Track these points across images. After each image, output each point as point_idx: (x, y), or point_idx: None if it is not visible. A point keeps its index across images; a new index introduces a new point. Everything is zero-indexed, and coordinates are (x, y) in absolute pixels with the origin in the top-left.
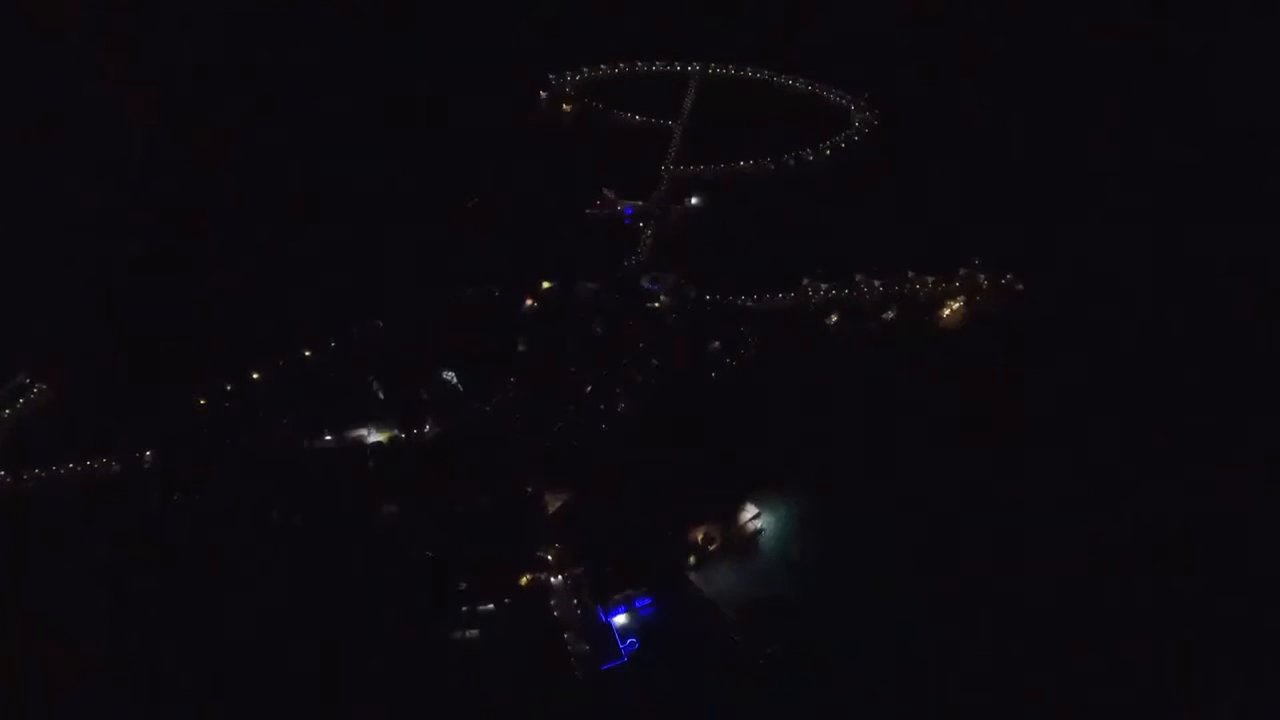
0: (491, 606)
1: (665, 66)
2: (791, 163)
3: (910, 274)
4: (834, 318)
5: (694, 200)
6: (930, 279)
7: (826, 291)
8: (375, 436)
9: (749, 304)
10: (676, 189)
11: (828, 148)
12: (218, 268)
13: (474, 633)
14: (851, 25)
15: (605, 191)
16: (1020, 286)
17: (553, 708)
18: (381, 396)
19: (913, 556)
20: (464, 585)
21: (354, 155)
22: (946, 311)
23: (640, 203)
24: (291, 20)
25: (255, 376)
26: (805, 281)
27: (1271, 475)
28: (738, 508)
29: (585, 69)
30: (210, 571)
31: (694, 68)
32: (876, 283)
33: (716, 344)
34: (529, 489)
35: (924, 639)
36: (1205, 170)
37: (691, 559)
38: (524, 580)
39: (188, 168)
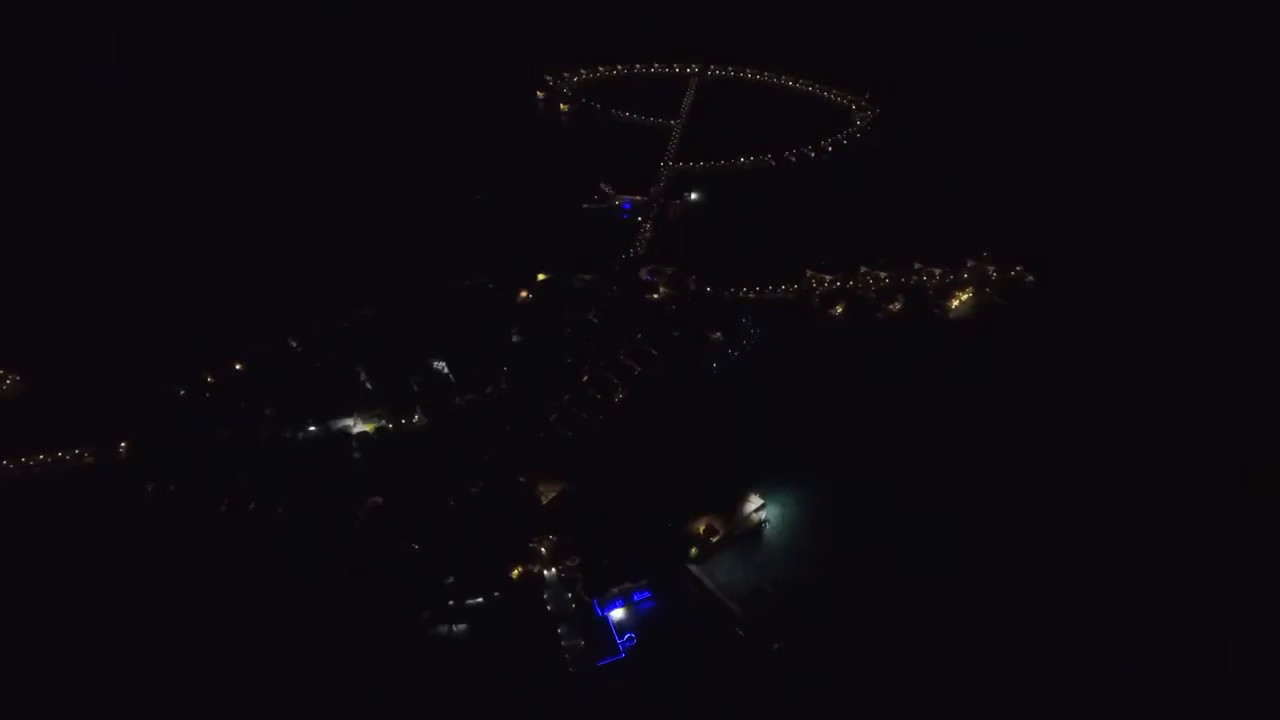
0: (481, 600)
1: (664, 68)
2: (792, 159)
3: (916, 265)
4: (839, 309)
5: (693, 195)
6: (937, 270)
7: (830, 283)
8: (361, 427)
9: (751, 295)
10: (676, 184)
11: (829, 144)
12: (201, 256)
13: (462, 628)
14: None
15: (603, 186)
16: (1030, 278)
17: (545, 706)
18: (369, 386)
19: (917, 550)
20: (452, 578)
21: (349, 147)
22: (955, 303)
23: (639, 197)
24: (288, 13)
25: (238, 367)
26: (809, 273)
27: None
28: (741, 499)
29: (584, 70)
30: (187, 565)
31: (693, 69)
32: (882, 274)
33: (718, 335)
34: (521, 478)
35: (928, 633)
36: (1209, 160)
37: (693, 551)
38: (516, 573)
39: (170, 156)
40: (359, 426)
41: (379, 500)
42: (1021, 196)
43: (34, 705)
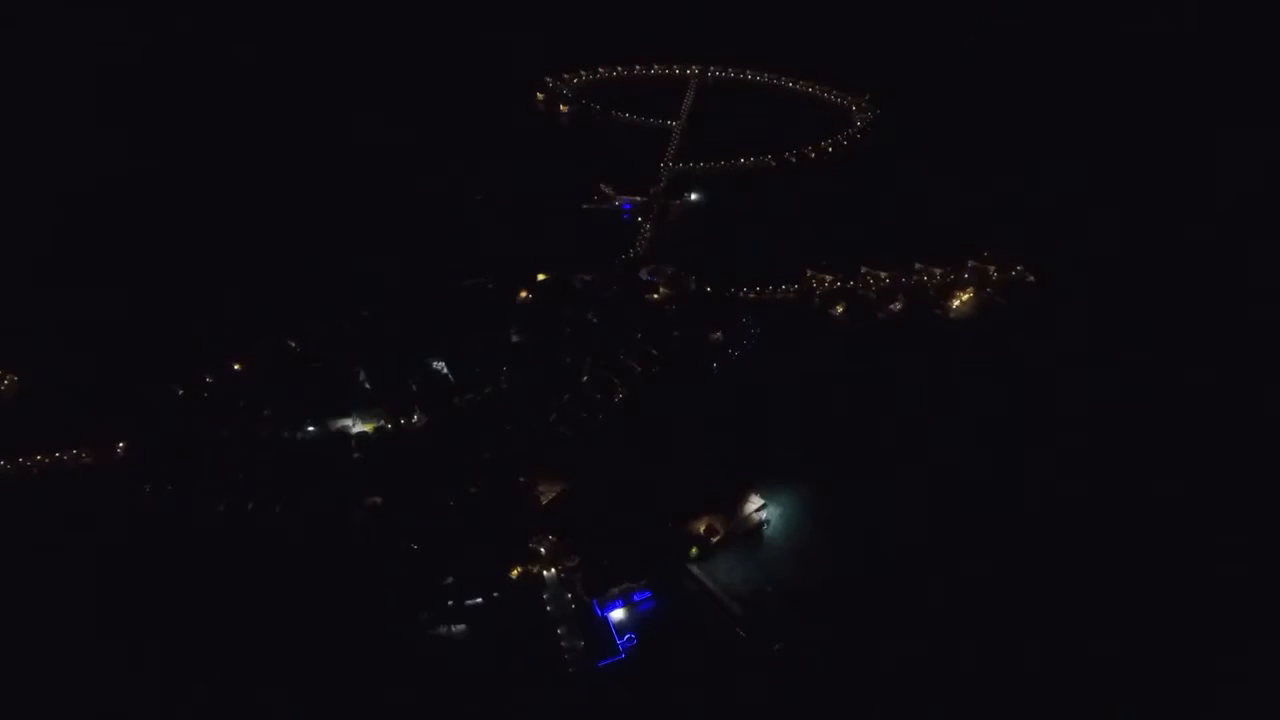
0: (480, 601)
1: (665, 69)
2: (793, 159)
3: (917, 265)
4: (839, 309)
5: (693, 196)
6: (938, 270)
7: (831, 283)
8: (360, 427)
9: (751, 295)
10: (676, 185)
11: (829, 145)
12: (200, 256)
13: (461, 628)
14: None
15: (603, 187)
16: (1031, 278)
17: (545, 707)
18: (368, 387)
19: (917, 550)
20: (450, 579)
21: (350, 148)
22: (955, 303)
23: (639, 198)
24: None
25: (236, 368)
26: (809, 273)
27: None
28: (741, 499)
29: (584, 71)
30: (185, 566)
31: (693, 70)
32: (882, 274)
33: (718, 335)
34: (521, 478)
35: (929, 631)
36: (1209, 160)
37: (693, 551)
38: (515, 573)
39: (169, 157)
40: (358, 427)
41: (378, 500)
42: (1022, 196)
43: (34, 706)
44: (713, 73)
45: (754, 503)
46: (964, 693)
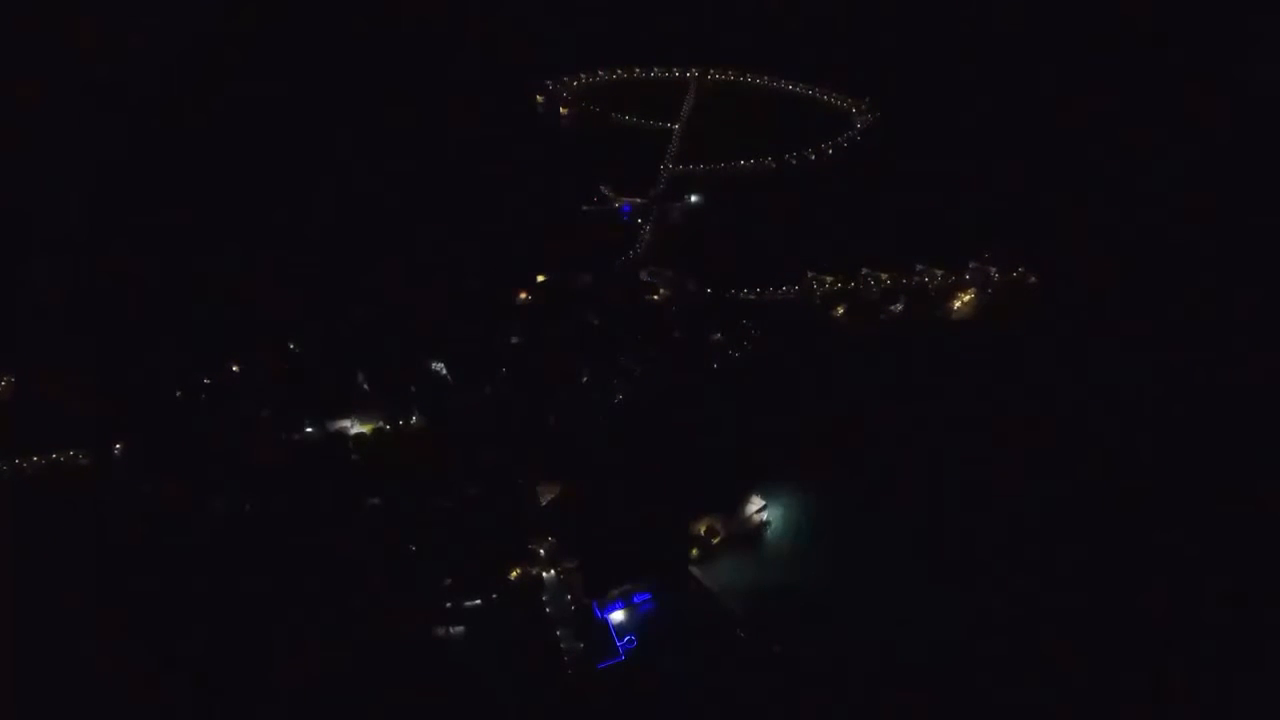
0: (479, 602)
1: (665, 73)
2: (793, 161)
3: (919, 267)
4: (840, 310)
5: (693, 198)
6: (939, 272)
7: (831, 284)
8: (358, 428)
9: (751, 297)
10: (676, 187)
11: (829, 147)
12: (199, 257)
13: (459, 630)
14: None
15: (602, 189)
16: (1033, 279)
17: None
18: (366, 388)
19: (919, 550)
20: (450, 580)
21: (349, 149)
22: (957, 304)
23: (639, 200)
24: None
25: (235, 369)
26: (810, 274)
27: None
28: (742, 500)
29: (583, 74)
30: (184, 566)
31: (693, 73)
32: (883, 275)
33: (718, 336)
34: (520, 479)
35: (930, 632)
36: (1208, 161)
37: (694, 552)
38: (514, 574)
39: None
40: (356, 428)
41: (377, 502)
42: (1022, 197)
43: (33, 706)
44: (713, 75)
45: (754, 503)
46: (963, 693)
